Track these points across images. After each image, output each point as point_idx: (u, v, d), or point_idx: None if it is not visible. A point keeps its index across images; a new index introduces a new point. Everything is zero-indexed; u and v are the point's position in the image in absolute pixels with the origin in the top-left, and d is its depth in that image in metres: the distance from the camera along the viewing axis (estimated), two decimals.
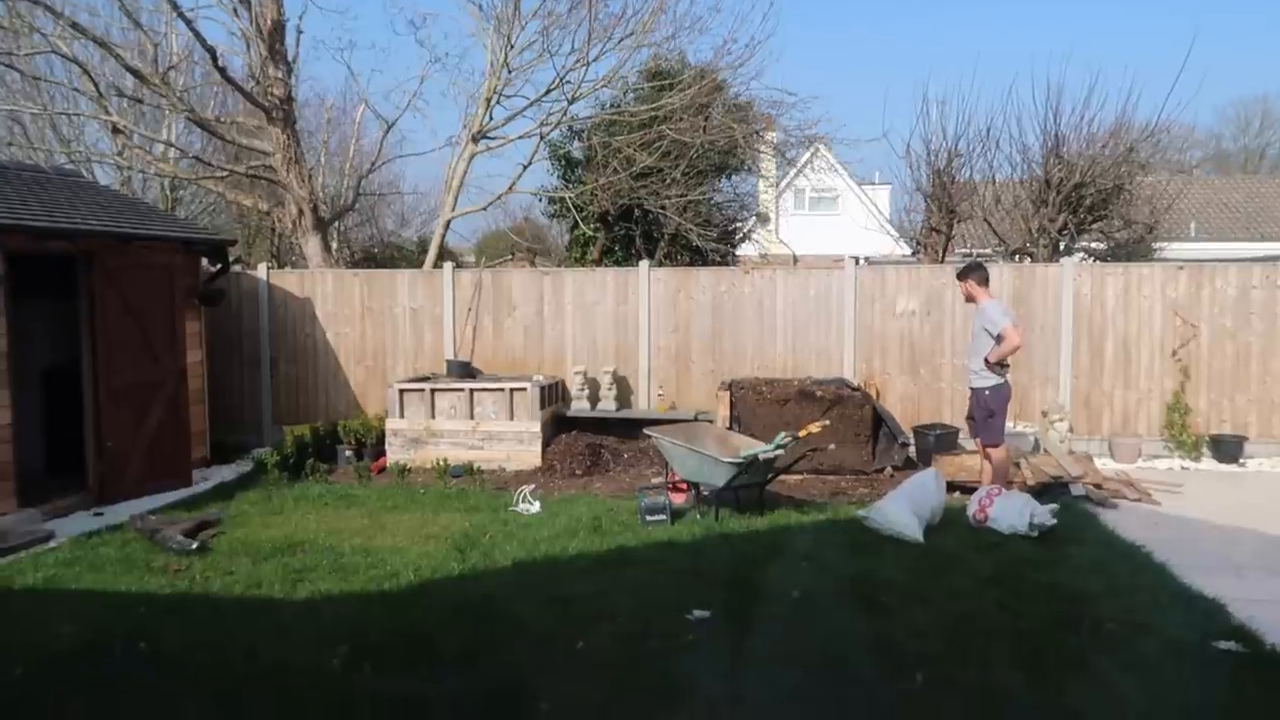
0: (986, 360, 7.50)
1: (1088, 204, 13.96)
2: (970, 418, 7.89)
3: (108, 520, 7.63)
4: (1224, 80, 54.09)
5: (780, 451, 7.54)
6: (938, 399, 10.38)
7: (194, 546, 6.65)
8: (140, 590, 5.83)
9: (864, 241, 22.30)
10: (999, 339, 7.38)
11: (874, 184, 29.70)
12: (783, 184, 22.93)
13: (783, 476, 8.24)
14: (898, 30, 69.09)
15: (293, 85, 12.93)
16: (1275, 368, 9.95)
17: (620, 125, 13.53)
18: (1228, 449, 9.70)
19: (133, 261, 8.69)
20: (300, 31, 13.10)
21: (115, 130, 14.47)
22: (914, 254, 17.20)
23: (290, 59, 12.66)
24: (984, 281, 7.83)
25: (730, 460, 7.29)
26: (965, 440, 9.91)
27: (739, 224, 17.88)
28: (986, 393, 7.57)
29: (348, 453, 10.03)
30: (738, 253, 17.66)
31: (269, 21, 12.09)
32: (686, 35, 13.61)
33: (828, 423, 8.35)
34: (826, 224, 28.00)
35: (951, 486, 7.82)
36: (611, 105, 14.53)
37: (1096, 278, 10.34)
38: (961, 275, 8.02)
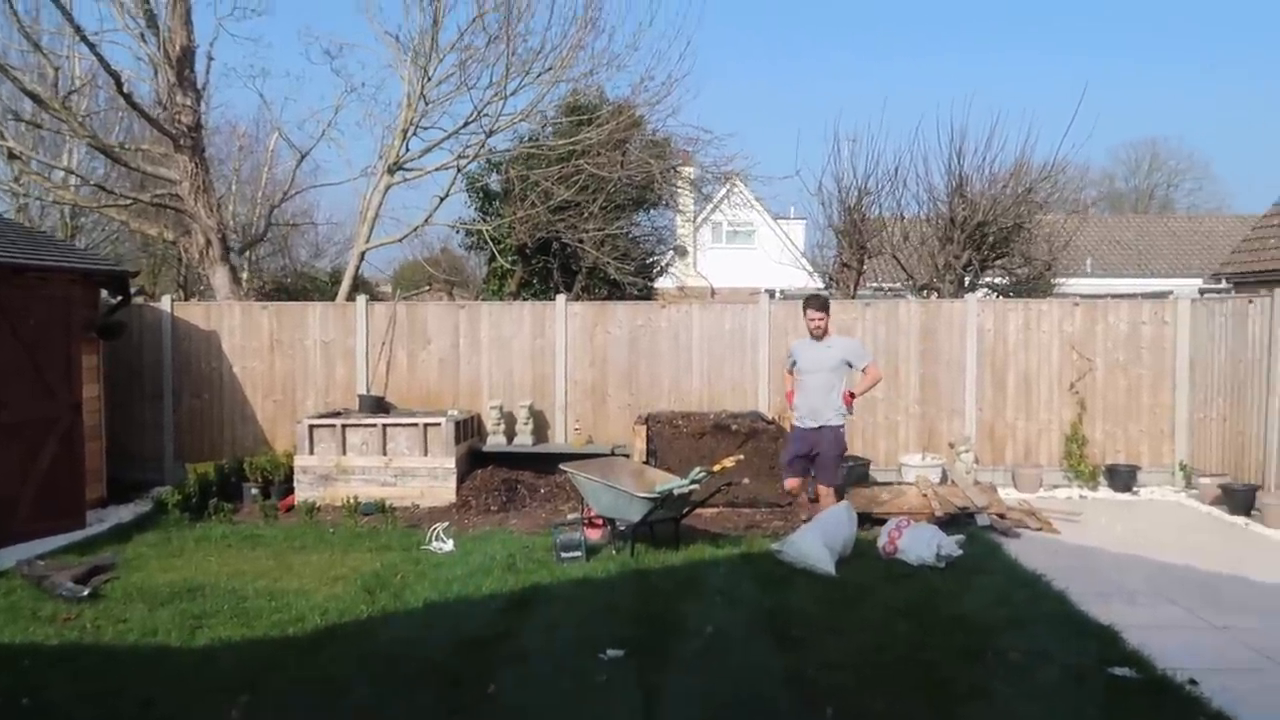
0: (851, 395, 7.49)
1: (990, 241, 14.49)
2: (798, 457, 7.65)
3: None
4: (1116, 123, 57.28)
5: (695, 486, 7.58)
6: (849, 432, 10.55)
7: (85, 593, 6.34)
8: (25, 641, 5.54)
9: (779, 275, 22.71)
10: (864, 372, 7.47)
11: (789, 218, 30.31)
12: (700, 218, 23.25)
13: (698, 510, 8.28)
14: (810, 67, 71.21)
15: (203, 112, 12.64)
16: (1165, 400, 10.45)
17: (538, 159, 13.55)
18: (1122, 478, 10.11)
19: (26, 292, 8.32)
20: (211, 58, 12.87)
21: (11, 156, 13.88)
22: (826, 288, 17.58)
23: (200, 86, 12.38)
24: None
25: (646, 496, 7.30)
26: (877, 472, 10.15)
27: (657, 257, 18.01)
28: (842, 430, 7.57)
29: (254, 491, 9.71)
30: (656, 285, 17.78)
31: (178, 47, 11.82)
32: (604, 72, 13.66)
33: (742, 457, 8.44)
34: (743, 257, 28.44)
35: (863, 519, 7.96)
36: (530, 139, 14.54)
37: (999, 313, 10.72)
38: (822, 307, 7.59)
